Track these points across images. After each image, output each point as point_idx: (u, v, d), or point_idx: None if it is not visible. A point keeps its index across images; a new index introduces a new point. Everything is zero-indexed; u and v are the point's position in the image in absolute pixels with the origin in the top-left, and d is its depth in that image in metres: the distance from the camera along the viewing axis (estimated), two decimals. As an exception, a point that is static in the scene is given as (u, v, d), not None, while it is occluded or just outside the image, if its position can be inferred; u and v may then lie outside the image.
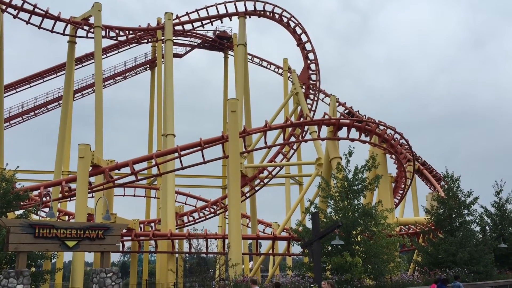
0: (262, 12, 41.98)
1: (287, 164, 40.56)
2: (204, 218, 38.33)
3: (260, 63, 53.70)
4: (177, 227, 34.43)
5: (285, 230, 33.36)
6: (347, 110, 48.34)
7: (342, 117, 39.95)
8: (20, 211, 21.73)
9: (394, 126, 30.31)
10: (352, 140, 28.39)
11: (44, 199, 25.28)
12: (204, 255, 28.69)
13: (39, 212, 23.56)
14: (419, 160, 44.72)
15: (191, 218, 38.33)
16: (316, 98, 43.37)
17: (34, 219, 21.54)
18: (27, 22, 35.46)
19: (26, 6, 34.92)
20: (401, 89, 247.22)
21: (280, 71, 51.95)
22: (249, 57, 49.69)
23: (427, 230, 28.24)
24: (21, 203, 21.63)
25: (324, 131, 29.76)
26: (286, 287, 18.36)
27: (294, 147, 39.61)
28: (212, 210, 38.68)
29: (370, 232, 20.68)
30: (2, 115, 37.62)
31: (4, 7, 34.38)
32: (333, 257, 18.93)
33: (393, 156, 34.21)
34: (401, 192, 37.92)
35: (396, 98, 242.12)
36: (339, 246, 18.88)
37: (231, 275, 20.45)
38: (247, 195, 36.52)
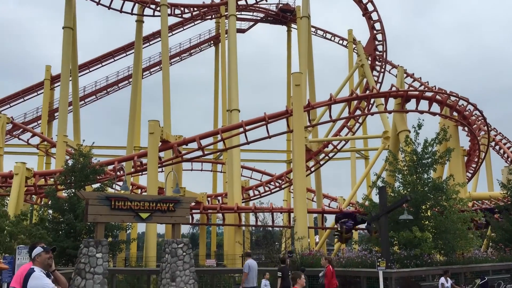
0: (326, -18, 40.88)
1: (352, 138, 39.88)
2: (269, 192, 38.74)
3: (324, 35, 52.58)
4: (243, 200, 35.08)
5: (351, 205, 33.06)
6: (415, 81, 46.49)
7: (410, 88, 38.45)
8: (97, 185, 23.06)
9: (467, 97, 28.82)
10: (421, 112, 27.34)
11: (118, 173, 26.59)
12: (270, 228, 29.18)
13: (114, 185, 24.81)
14: (494, 132, 42.38)
15: (256, 192, 38.88)
16: (382, 70, 42.04)
17: (109, 192, 22.77)
18: (98, 3, 36.81)
19: (96, -13, 36.22)
20: (473, 56, 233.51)
21: (345, 43, 50.66)
22: (313, 29, 48.74)
23: (503, 205, 26.90)
24: (98, 177, 22.88)
25: (391, 103, 28.85)
26: (353, 261, 18.27)
27: (360, 120, 38.81)
28: (277, 184, 38.98)
29: (441, 207, 20.02)
30: (78, 94, 39.69)
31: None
32: (401, 231, 18.55)
33: (466, 128, 32.64)
34: (474, 166, 36.27)
35: (468, 66, 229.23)
36: (407, 221, 18.45)
37: (297, 248, 20.65)
38: (312, 169, 36.42)
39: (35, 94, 49.20)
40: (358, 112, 33.96)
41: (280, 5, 50.91)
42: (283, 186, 39.69)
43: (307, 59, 38.15)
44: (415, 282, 17.26)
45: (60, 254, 19.45)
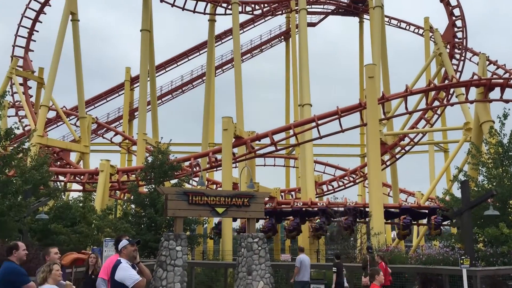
0: (400, -30, 39.43)
1: (430, 130, 38.28)
2: (343, 187, 38.19)
3: (398, 24, 50.78)
4: (317, 195, 34.86)
5: (429, 200, 31.79)
6: (499, 69, 43.71)
7: (494, 76, 36.17)
8: (174, 180, 23.91)
9: (559, 84, 26.60)
10: (507, 101, 25.62)
11: (194, 169, 27.41)
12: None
13: (190, 181, 25.61)
14: None
15: (330, 187, 38.48)
16: (462, 58, 39.92)
17: (186, 187, 23.54)
18: (172, 5, 38.08)
19: (171, -11, 37.48)
20: None
21: (421, 31, 48.56)
22: (386, 19, 47.25)
23: None
24: (175, 173, 23.73)
25: (473, 93, 27.31)
26: (434, 258, 17.57)
27: (438, 111, 37.07)
28: (351, 179, 38.32)
29: (531, 202, 18.68)
30: (155, 94, 41.39)
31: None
32: (486, 228, 17.55)
33: (558, 117, 30.18)
34: None
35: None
36: (494, 217, 17.42)
37: (373, 244, 20.20)
38: (388, 163, 35.40)
39: (117, 95, 51.91)
40: (436, 103, 32.49)
41: (352, -5, 49.83)
42: (357, 181, 38.95)
43: (380, 50, 37.06)
44: (503, 281, 16.26)
45: (142, 247, 20.40)
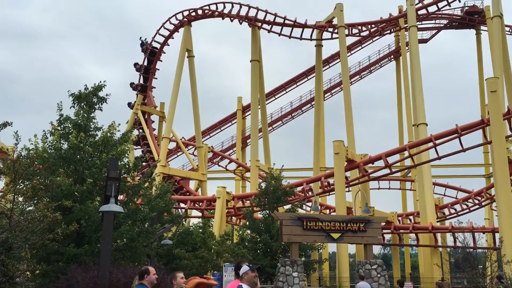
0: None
1: None
2: (467, 211, 35.45)
3: (521, 33, 46.79)
4: (438, 220, 32.80)
5: None
6: None
7: None
8: (288, 206, 24.12)
9: None
10: None
11: (307, 194, 27.44)
12: (472, 250, 26.60)
13: (303, 206, 25.65)
14: None
15: (452, 211, 35.95)
16: None
17: (300, 212, 23.60)
18: (279, 34, 39.12)
19: (277, 20, 38.57)
20: None
21: (549, 38, 44.28)
22: (507, 28, 43.87)
23: None
24: (288, 198, 23.95)
25: None
26: None
27: None
28: (476, 201, 35.48)
29: None
30: (266, 121, 42.51)
31: (259, 24, 38.71)
32: None
33: None
34: None
35: None
36: None
37: (506, 273, 18.41)
38: (518, 184, 32.26)
39: (230, 123, 54.09)
40: None
41: (466, 7, 47.08)
42: (483, 204, 35.93)
43: (502, 62, 34.44)
44: None
45: (260, 272, 20.70)
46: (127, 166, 15.55)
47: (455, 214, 35.44)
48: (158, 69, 42.98)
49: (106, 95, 15.52)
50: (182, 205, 31.31)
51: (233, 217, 31.82)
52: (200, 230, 23.06)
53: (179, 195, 35.97)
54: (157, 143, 40.01)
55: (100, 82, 15.49)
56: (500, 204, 21.54)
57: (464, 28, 49.21)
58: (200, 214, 30.82)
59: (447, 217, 35.27)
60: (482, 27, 47.48)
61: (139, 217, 14.58)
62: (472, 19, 47.22)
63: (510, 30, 46.09)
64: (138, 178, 18.29)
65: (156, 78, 42.97)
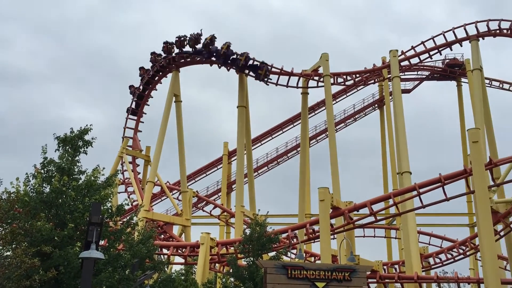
0: (498, 31, 38.19)
1: (549, 197, 34.74)
2: (452, 260, 35.31)
3: (501, 86, 48.31)
4: (423, 269, 32.55)
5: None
6: None
7: None
8: (272, 253, 23.76)
9: None
10: None
11: (292, 241, 27.14)
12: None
13: (288, 253, 25.31)
14: None
15: (437, 260, 35.76)
16: None
17: (285, 260, 23.24)
18: (266, 82, 39.76)
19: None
20: None
21: (527, 91, 45.80)
22: (487, 81, 45.33)
23: None
24: (273, 245, 23.62)
25: None
26: None
27: (556, 175, 33.81)
28: (460, 251, 35.42)
29: None
30: (252, 166, 42.52)
31: (247, 71, 39.44)
32: None
33: None
34: None
35: None
36: None
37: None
38: (501, 233, 32.35)
39: (215, 168, 54.01)
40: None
41: (447, 60, 48.73)
42: (467, 253, 35.89)
43: (483, 113, 35.37)
44: None
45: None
46: (110, 211, 15.35)
47: (440, 264, 35.22)
48: (145, 113, 43.17)
49: (92, 138, 15.52)
50: (164, 251, 30.70)
51: (217, 264, 31.21)
52: (182, 278, 22.56)
53: (162, 240, 35.34)
54: (141, 187, 39.64)
55: (87, 125, 15.51)
56: (484, 255, 21.54)
57: (446, 79, 50.74)
58: (183, 260, 30.20)
59: (432, 267, 35.02)
60: (463, 79, 49.00)
61: (120, 263, 14.28)
62: (453, 71, 48.79)
63: (490, 83, 47.61)
64: (121, 223, 18.00)
65: (143, 122, 43.08)
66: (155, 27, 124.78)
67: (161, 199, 49.12)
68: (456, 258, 35.24)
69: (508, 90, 48.06)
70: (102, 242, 15.77)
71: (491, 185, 26.50)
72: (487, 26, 38.26)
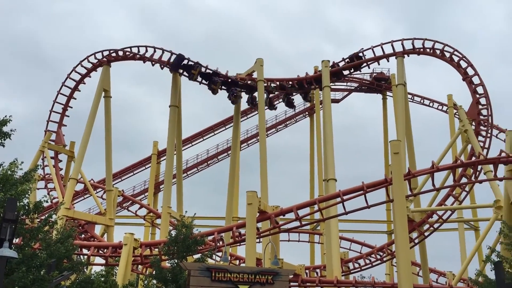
0: (422, 50, 40.45)
1: (459, 208, 37.30)
2: (370, 265, 36.87)
3: (422, 101, 51.30)
4: (343, 274, 33.71)
5: (462, 281, 30.40)
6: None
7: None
8: (198, 255, 23.60)
9: None
10: (538, 179, 25.11)
11: (217, 244, 27.11)
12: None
13: (213, 256, 25.25)
14: None
15: (356, 265, 37.21)
16: (489, 135, 39.60)
17: (209, 262, 23.17)
18: (200, 82, 39.54)
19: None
20: None
21: (445, 108, 48.95)
22: (410, 96, 47.91)
23: None
24: (199, 248, 23.46)
25: (502, 170, 26.87)
26: None
27: (467, 188, 36.34)
28: (378, 256, 37.06)
29: None
30: (181, 167, 42.01)
31: (181, 71, 38.98)
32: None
33: None
34: None
35: None
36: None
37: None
38: (416, 241, 34.30)
39: (143, 168, 52.79)
40: (464, 179, 31.98)
41: (374, 74, 51.02)
42: (384, 259, 37.64)
43: (404, 126, 37.29)
44: None
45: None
46: (26, 207, 14.53)
47: (359, 269, 36.67)
48: (71, 107, 41.34)
49: (11, 130, 14.61)
50: (85, 251, 29.52)
51: (140, 266, 30.47)
52: (102, 279, 21.78)
53: (83, 240, 33.96)
54: (63, 184, 37.89)
55: (6, 116, 14.60)
56: (399, 260, 22.67)
57: (372, 92, 53.10)
58: (104, 261, 29.18)
59: (351, 271, 36.36)
60: (388, 93, 51.53)
61: (35, 263, 13.54)
62: (379, 84, 51.16)
63: (412, 98, 50.39)
64: (39, 220, 17.11)
65: (68, 116, 41.22)
66: (85, 17, 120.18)
67: (84, 197, 47.23)
68: (373, 264, 36.82)
69: (428, 105, 51.17)
70: (16, 240, 14.91)
71: (409, 195, 27.93)
72: (412, 44, 40.42)
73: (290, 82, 44.48)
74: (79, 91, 41.20)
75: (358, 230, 49.04)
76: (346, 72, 44.44)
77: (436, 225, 34.23)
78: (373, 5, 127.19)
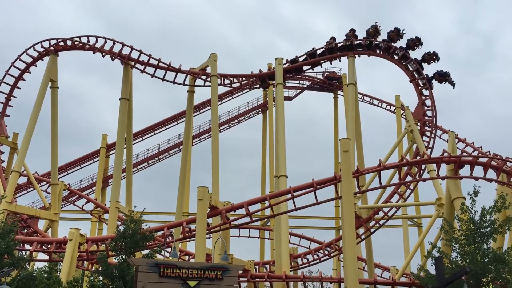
0: (372, 51, 41.49)
1: (403, 205, 38.60)
2: (318, 261, 37.56)
3: (371, 101, 52.74)
4: (292, 269, 34.17)
5: (405, 275, 31.49)
6: (468, 146, 45.33)
7: (463, 154, 37.35)
8: (146, 251, 23.24)
9: (526, 162, 27.63)
10: (476, 178, 26.36)
11: (167, 239, 26.79)
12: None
13: (163, 251, 24.94)
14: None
15: (305, 260, 37.80)
16: (433, 135, 41.19)
17: (158, 258, 22.86)
18: (152, 76, 38.86)
19: (151, 61, 38.35)
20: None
21: (393, 108, 50.53)
22: (360, 95, 49.10)
23: None
24: (147, 243, 23.10)
25: (444, 169, 28.06)
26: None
27: (411, 186, 37.58)
28: (326, 252, 37.82)
29: (503, 280, 18.74)
30: (131, 161, 41.16)
31: (133, 63, 38.16)
32: (461, 306, 17.38)
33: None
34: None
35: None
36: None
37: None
38: (362, 237, 35.22)
39: (91, 161, 51.38)
40: (409, 178, 33.12)
41: (327, 73, 51.87)
42: (332, 254, 38.45)
43: (354, 125, 38.17)
44: None
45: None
46: (-36, 201, 13.79)
47: (307, 264, 37.29)
48: (15, 97, 39.58)
49: None
50: (27, 246, 28.39)
51: (85, 262, 29.64)
52: (45, 275, 21.04)
53: (25, 235, 32.64)
54: (4, 177, 36.25)
55: None
56: (345, 256, 23.24)
57: (324, 91, 53.97)
58: (47, 257, 28.18)
59: (300, 267, 36.91)
60: (339, 92, 52.55)
61: (-28, 259, 12.88)
62: (331, 83, 52.07)
63: (362, 97, 51.67)
64: (-23, 214, 16.29)
65: (12, 106, 39.44)
66: (28, 2, 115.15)
67: (27, 191, 45.42)
68: (321, 259, 37.53)
69: (377, 105, 52.65)
70: (-49, 235, 14.14)
71: (356, 192, 28.63)
72: (363, 44, 41.37)
73: (244, 78, 44.53)
74: (24, 80, 39.55)
75: (307, 226, 49.80)
76: (306, 68, 44.50)
77: (381, 222, 35.35)
78: (325, 4, 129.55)
